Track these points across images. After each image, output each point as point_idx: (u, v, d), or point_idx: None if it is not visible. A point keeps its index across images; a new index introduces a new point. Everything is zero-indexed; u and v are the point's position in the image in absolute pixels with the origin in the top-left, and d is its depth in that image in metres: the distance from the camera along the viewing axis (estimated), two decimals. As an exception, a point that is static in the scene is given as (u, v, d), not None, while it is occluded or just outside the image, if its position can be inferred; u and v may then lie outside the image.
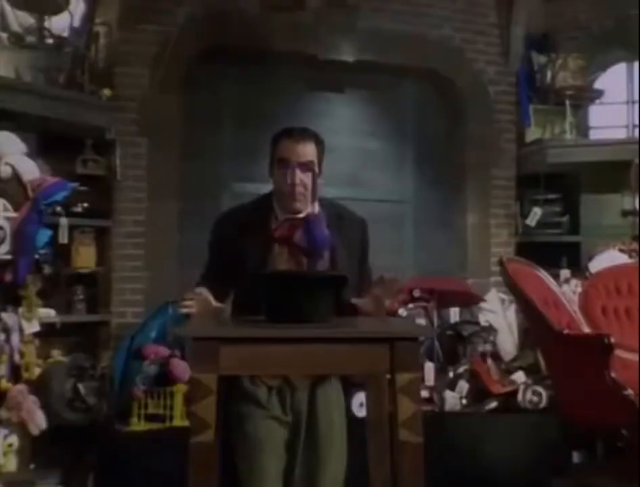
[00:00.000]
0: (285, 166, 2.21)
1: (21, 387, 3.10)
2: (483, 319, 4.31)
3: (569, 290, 4.04)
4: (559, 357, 3.30)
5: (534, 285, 3.44)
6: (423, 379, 3.78)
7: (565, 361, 3.21)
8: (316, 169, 2.24)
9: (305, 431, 2.24)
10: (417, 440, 1.78)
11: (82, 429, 3.35)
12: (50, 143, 3.97)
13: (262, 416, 2.20)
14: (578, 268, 4.59)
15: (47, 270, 3.87)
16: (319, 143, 2.26)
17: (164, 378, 3.54)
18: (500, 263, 3.47)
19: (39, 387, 3.18)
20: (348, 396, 2.42)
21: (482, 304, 4.39)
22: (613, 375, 2.92)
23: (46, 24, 4.11)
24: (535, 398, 3.80)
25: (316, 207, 2.24)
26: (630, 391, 2.91)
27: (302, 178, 2.20)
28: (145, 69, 4.37)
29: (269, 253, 2.19)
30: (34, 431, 3.07)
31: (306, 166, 2.21)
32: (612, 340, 2.92)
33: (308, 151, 2.22)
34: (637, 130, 5.42)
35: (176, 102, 4.45)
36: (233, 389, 2.19)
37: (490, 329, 4.19)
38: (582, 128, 5.44)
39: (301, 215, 2.22)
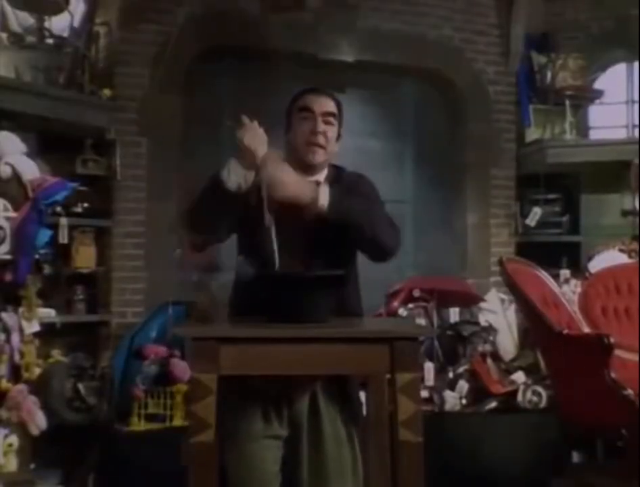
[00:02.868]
0: (307, 116, 2.17)
1: (21, 387, 3.10)
2: (483, 319, 4.31)
3: (569, 290, 4.04)
4: (559, 357, 3.30)
5: (533, 285, 3.44)
6: (423, 379, 3.78)
7: (565, 361, 3.21)
8: (336, 126, 2.21)
9: (308, 447, 2.08)
10: (417, 440, 1.78)
11: (82, 429, 3.35)
12: (50, 143, 3.97)
13: (258, 437, 2.05)
14: (578, 268, 4.59)
15: (47, 270, 3.88)
16: (339, 106, 2.25)
17: (164, 378, 3.54)
18: (500, 263, 3.47)
19: (39, 387, 3.18)
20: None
21: (482, 304, 4.39)
22: (613, 375, 2.92)
23: (46, 24, 4.11)
24: (535, 398, 3.80)
25: (324, 174, 2.21)
26: (630, 391, 2.91)
27: (325, 128, 2.17)
28: (145, 69, 4.37)
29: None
30: (34, 431, 3.07)
31: (328, 118, 2.18)
32: (612, 340, 2.92)
33: (330, 103, 2.21)
34: (637, 130, 5.42)
35: (176, 102, 4.45)
36: (226, 402, 1.97)
37: (490, 329, 4.19)
38: (582, 128, 5.44)
39: (312, 178, 2.16)
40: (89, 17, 4.27)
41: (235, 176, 2.01)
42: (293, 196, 2.01)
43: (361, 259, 2.30)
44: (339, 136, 2.25)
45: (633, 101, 5.53)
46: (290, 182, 2.02)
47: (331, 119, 2.20)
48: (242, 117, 2.05)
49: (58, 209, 3.80)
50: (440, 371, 3.98)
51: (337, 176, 2.23)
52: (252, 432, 2.06)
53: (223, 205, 2.05)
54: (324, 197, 2.01)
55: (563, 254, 4.95)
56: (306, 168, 2.17)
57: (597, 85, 5.43)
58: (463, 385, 3.90)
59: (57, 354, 3.49)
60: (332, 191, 2.04)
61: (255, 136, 2.02)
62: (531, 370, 3.96)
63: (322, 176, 2.21)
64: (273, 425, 2.08)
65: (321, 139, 2.16)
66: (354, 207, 2.06)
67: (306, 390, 2.09)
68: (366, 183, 2.27)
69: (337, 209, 2.02)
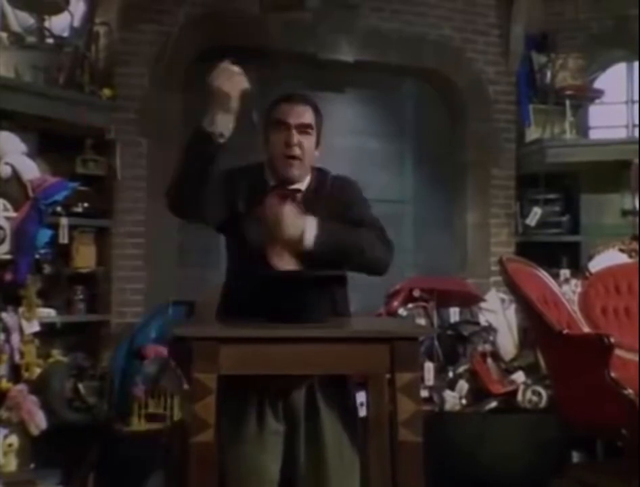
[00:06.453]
0: (282, 128, 2.13)
1: (21, 387, 3.10)
2: (483, 319, 4.31)
3: (569, 290, 4.03)
4: (559, 357, 3.30)
5: (534, 284, 3.44)
6: (423, 379, 3.78)
7: (565, 361, 3.21)
8: (314, 135, 2.18)
9: (306, 441, 2.06)
10: (417, 440, 1.78)
11: (82, 429, 3.35)
12: (50, 143, 3.97)
13: (255, 435, 2.03)
14: (578, 268, 4.59)
15: (47, 270, 3.88)
16: (317, 111, 2.21)
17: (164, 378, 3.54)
18: (500, 263, 3.47)
19: (39, 387, 3.18)
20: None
21: (482, 304, 4.39)
22: (613, 374, 2.92)
23: (46, 24, 4.11)
24: (535, 398, 3.80)
25: (307, 181, 2.18)
26: (630, 391, 2.91)
27: (300, 139, 2.13)
28: (145, 69, 4.36)
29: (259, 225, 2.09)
30: (34, 431, 3.07)
31: (304, 129, 2.15)
32: (612, 340, 2.92)
33: (306, 113, 2.17)
34: (637, 130, 5.42)
35: (177, 102, 4.45)
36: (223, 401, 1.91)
37: (490, 329, 4.19)
38: (582, 128, 5.44)
39: (294, 186, 2.15)
40: (89, 17, 4.27)
41: (216, 124, 1.98)
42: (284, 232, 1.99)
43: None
44: (318, 143, 2.21)
45: (633, 101, 5.53)
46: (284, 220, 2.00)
47: (308, 130, 2.16)
48: (221, 63, 1.99)
49: (58, 209, 3.79)
50: (440, 371, 3.98)
51: (321, 182, 2.21)
52: (248, 431, 2.05)
53: (209, 163, 2.00)
54: (310, 234, 1.99)
55: (563, 254, 4.95)
56: (287, 178, 2.15)
57: (597, 85, 5.43)
58: (463, 385, 3.90)
59: (57, 354, 3.49)
60: (319, 223, 2.00)
61: (228, 78, 1.97)
62: (531, 370, 3.96)
63: (304, 183, 2.19)
64: (270, 422, 2.06)
65: (296, 151, 2.13)
66: (341, 236, 2.05)
67: (302, 383, 2.08)
68: (351, 188, 2.24)
69: (324, 242, 1.99)
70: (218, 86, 1.96)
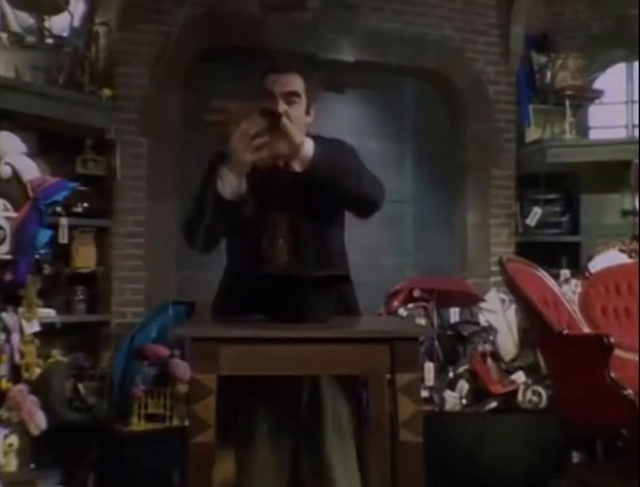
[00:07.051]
0: (269, 98, 2.13)
1: (21, 387, 3.10)
2: (483, 319, 4.31)
3: (569, 290, 4.03)
4: (559, 357, 3.30)
5: (534, 285, 3.45)
6: (423, 379, 3.78)
7: (565, 361, 3.22)
8: (303, 102, 2.17)
9: (308, 441, 2.06)
10: (417, 440, 1.78)
11: (82, 429, 3.35)
12: (50, 143, 3.97)
13: (256, 437, 2.04)
14: (578, 268, 4.59)
15: (47, 270, 3.88)
16: (306, 78, 2.20)
17: (164, 378, 3.54)
18: (500, 263, 3.47)
19: (39, 387, 3.17)
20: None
21: (482, 304, 4.39)
22: (613, 374, 2.93)
23: (46, 24, 4.11)
24: (535, 398, 3.80)
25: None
26: (629, 391, 2.91)
27: (286, 108, 2.12)
28: (145, 69, 4.36)
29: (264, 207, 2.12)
30: (34, 431, 3.06)
31: (291, 97, 2.14)
32: (612, 340, 2.92)
33: (292, 81, 2.16)
34: (637, 130, 5.42)
35: (177, 102, 4.45)
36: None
37: (490, 329, 4.19)
38: (582, 128, 5.44)
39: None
40: (89, 17, 4.27)
41: (230, 186, 2.01)
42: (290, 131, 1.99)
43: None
44: (308, 109, 2.21)
45: (633, 101, 5.53)
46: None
47: (294, 98, 2.15)
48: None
49: (58, 209, 3.79)
50: (440, 371, 3.98)
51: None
52: (248, 431, 2.05)
53: (220, 218, 2.03)
54: (309, 146, 2.00)
55: (563, 254, 4.95)
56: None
57: (597, 85, 5.43)
58: (463, 385, 3.90)
59: (57, 354, 3.49)
60: (316, 144, 2.02)
61: (241, 140, 1.99)
62: (531, 370, 3.96)
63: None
64: (271, 423, 2.05)
65: (283, 121, 2.08)
66: (338, 158, 2.07)
67: (304, 383, 2.09)
68: (347, 147, 2.25)
69: (323, 157, 2.01)
70: (238, 156, 2.00)
